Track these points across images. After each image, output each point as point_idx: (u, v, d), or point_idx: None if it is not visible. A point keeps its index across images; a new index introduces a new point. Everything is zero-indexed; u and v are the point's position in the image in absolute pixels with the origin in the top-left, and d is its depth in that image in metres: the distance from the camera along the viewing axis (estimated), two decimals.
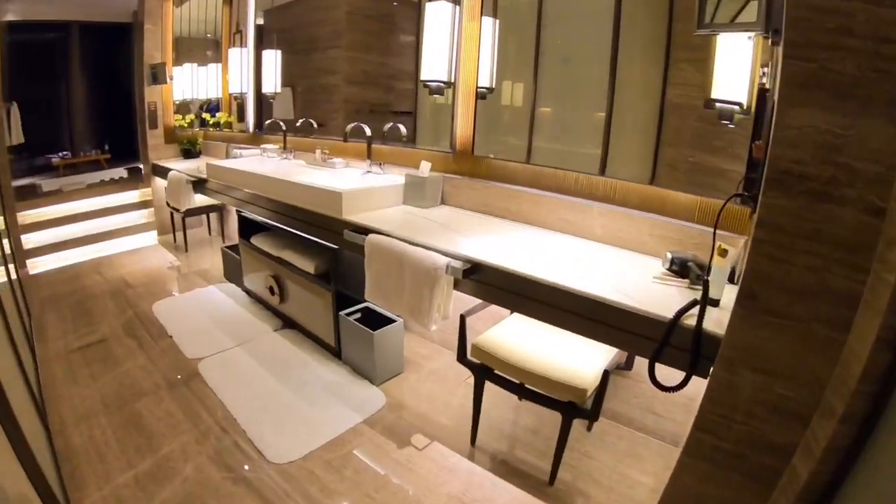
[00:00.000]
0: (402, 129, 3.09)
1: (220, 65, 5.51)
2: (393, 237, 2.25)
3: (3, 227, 3.92)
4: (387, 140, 3.25)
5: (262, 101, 4.76)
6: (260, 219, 3.53)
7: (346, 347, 3.11)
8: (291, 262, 3.31)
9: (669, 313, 1.44)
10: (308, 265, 3.15)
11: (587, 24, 2.35)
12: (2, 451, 1.68)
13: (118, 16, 8.27)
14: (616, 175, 2.18)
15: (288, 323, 3.70)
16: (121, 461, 2.50)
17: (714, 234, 1.54)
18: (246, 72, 4.93)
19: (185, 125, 5.94)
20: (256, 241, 3.75)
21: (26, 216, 6.13)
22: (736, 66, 1.76)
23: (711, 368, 1.25)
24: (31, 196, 6.69)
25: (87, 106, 9.66)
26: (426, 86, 2.75)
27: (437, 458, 2.42)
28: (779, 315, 1.11)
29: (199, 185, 4.45)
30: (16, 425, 1.73)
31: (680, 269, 1.74)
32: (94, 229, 6.17)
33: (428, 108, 3.16)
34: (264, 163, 4.12)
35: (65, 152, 9.28)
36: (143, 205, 6.54)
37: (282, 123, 4.22)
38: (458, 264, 1.95)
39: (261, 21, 4.77)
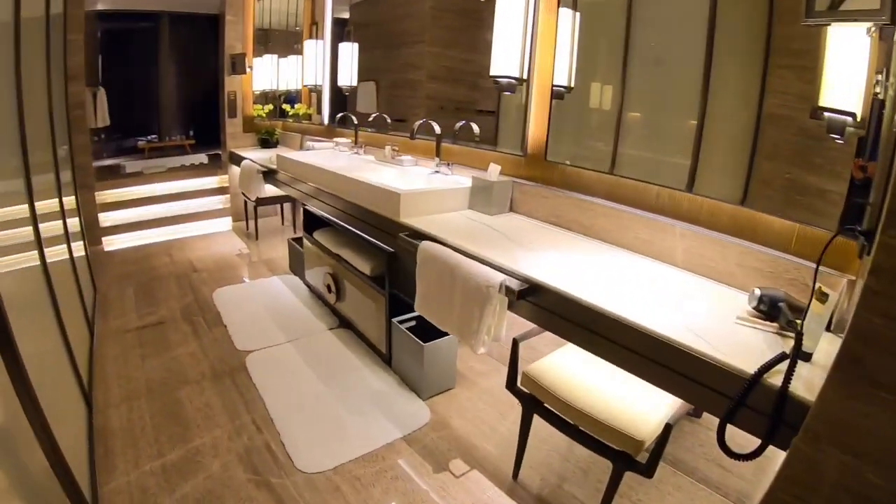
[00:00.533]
0: (475, 128, 2.94)
1: (300, 56, 5.52)
2: (447, 245, 2.10)
3: (75, 205, 3.97)
4: (458, 139, 3.11)
5: (339, 94, 4.71)
6: (322, 214, 3.46)
7: (396, 356, 2.99)
8: (349, 260, 3.22)
9: (750, 366, 1.21)
10: (365, 266, 3.04)
11: (680, 23, 2.12)
12: (23, 432, 1.67)
13: (206, 7, 8.55)
14: (703, 191, 1.91)
15: (343, 322, 3.62)
16: (153, 448, 2.48)
17: (815, 274, 1.26)
18: (321, 64, 4.91)
19: (264, 115, 5.98)
20: (319, 236, 3.69)
21: (107, 195, 6.34)
22: (850, 69, 1.48)
23: (793, 440, 1.03)
24: (114, 176, 6.92)
25: (176, 93, 10.01)
26: (496, 82, 2.58)
27: (474, 489, 2.25)
28: (887, 389, 0.89)
29: (269, 175, 4.44)
30: (37, 407, 1.68)
31: (769, 309, 1.48)
32: (170, 212, 6.33)
33: (512, 108, 2.98)
34: (334, 157, 4.06)
35: (153, 136, 9.60)
36: (220, 191, 6.66)
37: (353, 118, 4.15)
38: (513, 283, 1.77)
39: (347, 14, 4.73)
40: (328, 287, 3.61)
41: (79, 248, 3.92)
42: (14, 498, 1.79)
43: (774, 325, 1.45)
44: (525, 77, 2.57)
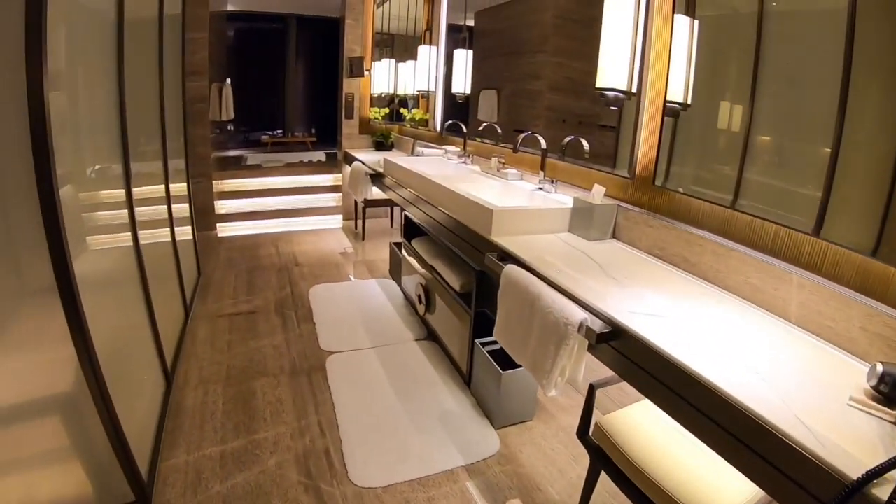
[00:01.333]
0: (584, 144, 2.78)
1: (416, 62, 5.54)
2: (533, 272, 1.96)
3: (186, 192, 4.14)
4: (566, 155, 2.95)
5: (453, 102, 4.67)
6: (420, 222, 3.40)
7: (476, 378, 2.87)
8: (441, 273, 3.14)
9: (854, 466, 0.96)
10: (455, 281, 2.95)
11: (816, 39, 1.85)
12: (87, 403, 1.73)
13: (330, 10, 8.78)
14: (831, 234, 1.61)
15: (430, 335, 3.55)
16: (217, 434, 2.52)
17: None
18: (435, 70, 4.88)
19: (380, 118, 6.05)
20: (416, 244, 3.64)
21: (226, 184, 6.63)
22: None
23: None
24: (235, 167, 7.23)
25: (301, 91, 10.49)
26: (602, 95, 2.38)
27: None
28: None
29: (376, 178, 4.45)
30: (99, 378, 1.72)
31: (890, 391, 1.18)
32: (284, 205, 6.54)
33: (632, 124, 2.80)
34: (439, 165, 4.02)
35: (279, 131, 10.01)
36: (333, 188, 6.82)
37: (463, 126, 4.08)
38: (596, 324, 1.59)
39: (471, 22, 4.68)
40: (419, 297, 3.55)
41: (186, 233, 4.07)
42: (73, 460, 1.83)
43: (894, 412, 1.17)
44: (634, 91, 2.37)
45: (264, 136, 9.50)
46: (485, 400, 2.77)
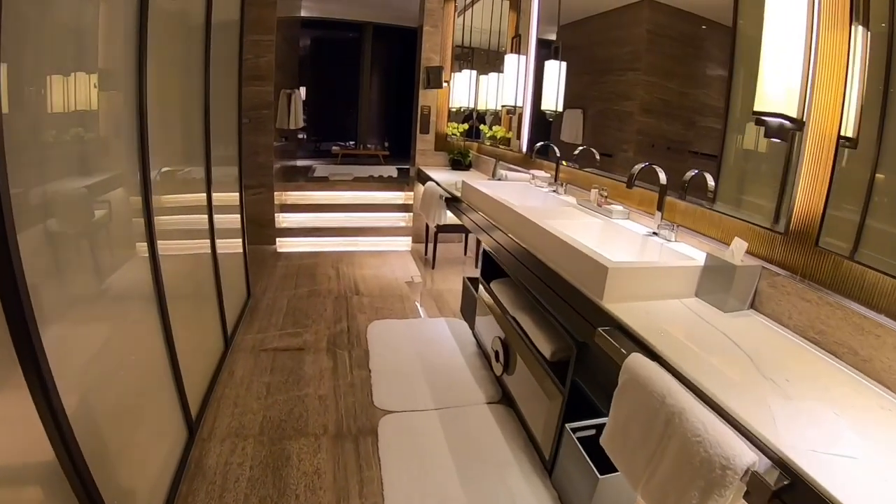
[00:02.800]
0: (709, 180, 2.24)
1: (500, 74, 5.05)
2: (670, 370, 1.41)
3: (238, 202, 3.78)
4: (685, 193, 2.37)
5: (541, 120, 4.16)
6: (503, 262, 2.89)
7: (560, 468, 2.32)
8: (527, 331, 2.61)
9: None
10: (545, 346, 2.41)
11: None
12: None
13: (409, 20, 8.55)
14: None
15: (506, 398, 3.02)
16: None
17: None
18: (523, 83, 4.37)
19: (458, 134, 5.59)
20: (496, 287, 3.12)
21: (289, 196, 6.29)
22: None
23: None
24: (301, 178, 6.89)
25: (376, 103, 10.21)
26: (761, 122, 1.81)
27: None
28: None
29: (452, 202, 3.98)
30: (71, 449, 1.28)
31: None
32: (349, 222, 6.16)
33: (732, 152, 2.28)
34: (526, 193, 3.52)
35: (351, 142, 9.74)
36: (404, 207, 6.39)
37: (556, 149, 3.57)
38: (771, 475, 1.04)
39: (552, 36, 4.18)
40: (496, 353, 3.01)
41: (235, 246, 3.74)
42: None
43: None
44: (801, 118, 1.79)
45: (335, 147, 9.19)
46: (569, 499, 2.22)
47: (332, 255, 5.56)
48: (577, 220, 2.79)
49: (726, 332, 1.64)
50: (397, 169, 8.13)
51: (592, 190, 2.99)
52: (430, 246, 5.47)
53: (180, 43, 2.53)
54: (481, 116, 5.66)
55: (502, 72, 4.90)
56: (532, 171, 3.87)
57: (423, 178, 5.36)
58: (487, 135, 5.32)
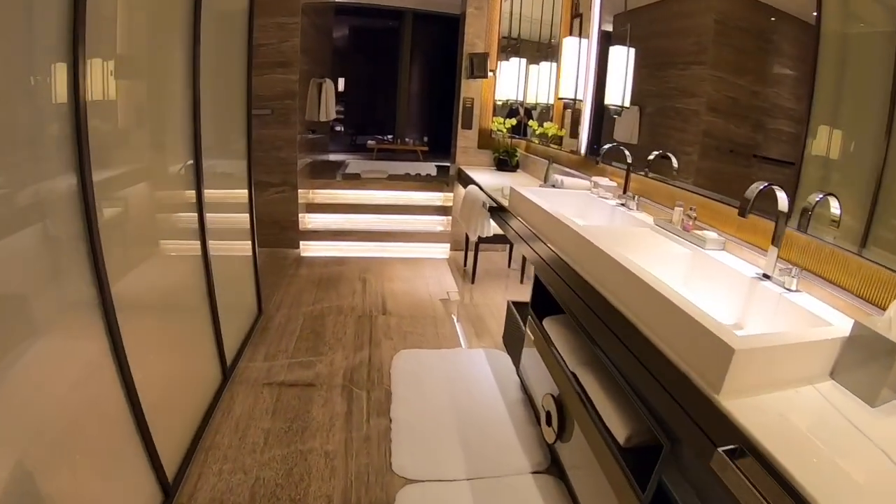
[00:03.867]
0: (834, 207, 1.64)
1: (552, 64, 4.45)
2: None
3: (247, 200, 3.31)
4: (807, 223, 1.76)
5: (603, 117, 3.58)
6: (561, 298, 2.32)
7: None
8: (591, 396, 2.02)
9: None
10: (617, 424, 1.82)
11: None
12: None
13: (450, 6, 8.12)
14: None
15: (555, 468, 2.44)
16: None
17: None
18: (584, 72, 3.76)
19: (504, 130, 5.01)
20: (550, 326, 2.55)
21: (317, 195, 5.80)
22: None
23: None
24: (331, 175, 6.37)
25: (415, 95, 9.67)
26: None
27: None
28: None
29: (497, 211, 3.42)
30: None
31: None
32: (381, 224, 5.63)
33: (813, 164, 1.94)
34: (588, 205, 2.97)
35: (389, 136, 9.23)
36: (442, 210, 5.82)
37: (627, 153, 2.95)
38: None
39: (608, 27, 3.62)
40: (547, 414, 2.42)
41: (242, 249, 3.36)
42: None
43: None
44: None
45: (371, 142, 8.64)
46: None
47: (361, 263, 5.05)
48: (659, 248, 2.21)
49: (879, 445, 1.07)
50: (437, 167, 7.52)
51: (676, 208, 2.40)
52: (471, 255, 4.91)
53: (153, 15, 2.04)
54: (529, 111, 5.08)
55: (555, 61, 4.31)
56: (593, 179, 3.27)
57: (465, 180, 4.80)
58: (537, 132, 4.73)
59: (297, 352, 3.26)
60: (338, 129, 9.34)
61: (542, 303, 2.72)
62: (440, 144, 9.00)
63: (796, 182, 2.06)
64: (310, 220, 5.54)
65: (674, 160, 2.77)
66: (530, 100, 4.97)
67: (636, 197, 2.84)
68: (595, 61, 3.68)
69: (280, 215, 5.17)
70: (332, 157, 8.09)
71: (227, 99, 2.96)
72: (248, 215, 3.36)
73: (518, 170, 5.02)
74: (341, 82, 9.20)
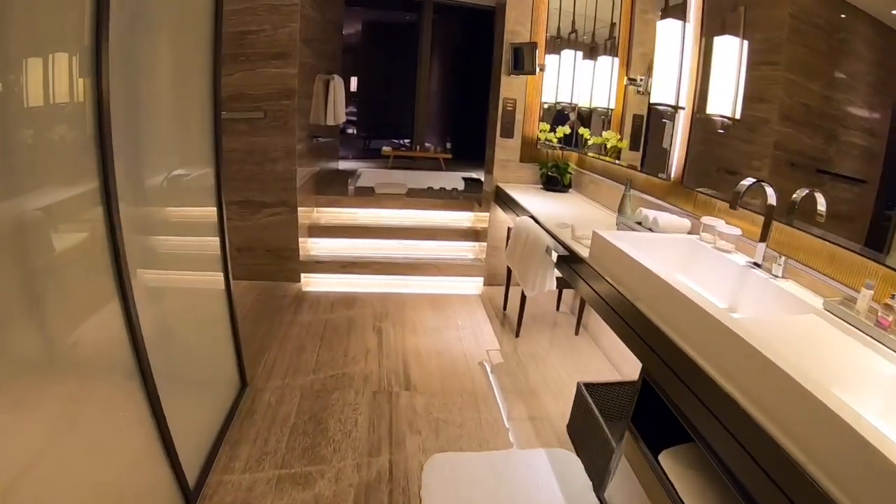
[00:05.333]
0: None
1: (613, 59, 3.57)
2: None
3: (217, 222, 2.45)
4: None
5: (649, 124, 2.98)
6: (690, 417, 1.45)
7: None
8: None
9: None
10: None
11: None
12: None
13: None
14: None
15: None
16: None
17: None
18: (677, 69, 2.84)
19: (554, 140, 4.11)
20: (672, 464, 1.64)
21: (323, 214, 4.91)
22: None
23: None
24: (340, 189, 5.48)
25: (436, 95, 8.76)
26: None
27: None
28: None
29: (568, 263, 2.53)
30: None
31: None
32: (400, 252, 4.77)
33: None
34: (701, 262, 2.21)
35: (405, 141, 8.33)
36: (473, 234, 4.90)
37: (768, 188, 2.05)
38: None
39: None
40: None
41: (213, 282, 2.43)
42: None
43: None
44: None
45: (386, 148, 7.65)
46: None
47: (375, 302, 4.17)
48: (845, 354, 1.39)
49: None
50: (464, 179, 6.52)
51: (864, 291, 1.50)
52: (506, 289, 4.06)
53: None
54: (580, 116, 4.19)
55: (615, 55, 3.43)
56: (703, 220, 2.36)
57: (505, 201, 3.92)
58: (590, 141, 3.84)
59: (291, 455, 2.39)
60: (349, 131, 8.54)
61: (650, 422, 1.82)
62: (464, 151, 8.06)
63: (875, 204, 1.85)
64: (313, 247, 4.66)
65: (820, 201, 1.94)
66: (583, 103, 4.07)
67: (782, 258, 1.93)
68: (694, 57, 2.77)
69: (276, 242, 4.30)
70: (343, 164, 7.18)
71: (179, 96, 2.14)
72: (217, 239, 2.49)
73: (570, 189, 4.13)
74: (354, 82, 8.37)
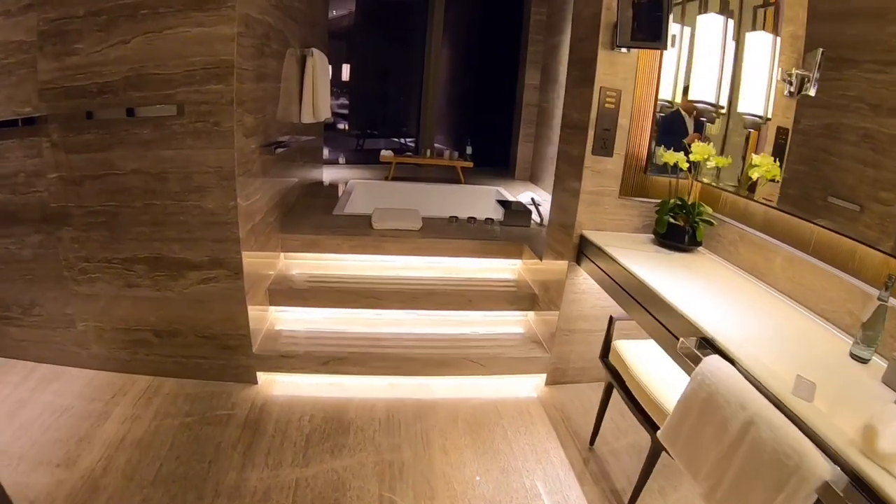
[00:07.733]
0: None
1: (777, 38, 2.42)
2: None
3: None
4: None
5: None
6: None
7: None
8: None
9: None
10: None
11: None
12: None
13: None
14: None
15: None
16: None
17: None
18: None
19: (684, 166, 2.49)
20: None
21: (293, 261, 3.29)
22: None
23: None
24: (317, 211, 3.81)
25: (447, 85, 7.19)
26: None
27: None
28: None
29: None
30: None
31: None
32: (410, 327, 3.34)
33: None
34: None
35: (410, 140, 6.82)
36: (517, 299, 3.25)
37: None
38: None
39: None
40: None
41: None
42: None
43: None
44: None
45: (386, 152, 5.77)
46: None
47: (377, 429, 2.57)
48: None
49: None
50: (500, 203, 4.58)
51: None
52: (600, 413, 2.50)
53: None
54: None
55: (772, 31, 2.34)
56: None
57: (598, 259, 2.37)
58: (710, 164, 2.30)
59: None
60: (340, 126, 6.93)
61: None
62: (486, 156, 6.30)
63: None
64: (278, 321, 3.01)
65: None
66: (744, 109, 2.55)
67: None
68: None
69: (214, 322, 2.67)
70: (329, 172, 5.42)
71: None
72: None
73: (699, 247, 2.52)
74: (346, 70, 6.81)
